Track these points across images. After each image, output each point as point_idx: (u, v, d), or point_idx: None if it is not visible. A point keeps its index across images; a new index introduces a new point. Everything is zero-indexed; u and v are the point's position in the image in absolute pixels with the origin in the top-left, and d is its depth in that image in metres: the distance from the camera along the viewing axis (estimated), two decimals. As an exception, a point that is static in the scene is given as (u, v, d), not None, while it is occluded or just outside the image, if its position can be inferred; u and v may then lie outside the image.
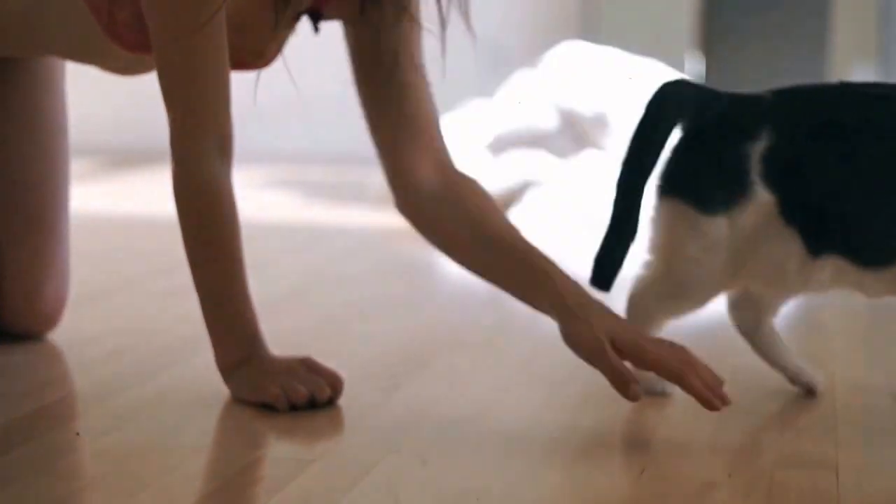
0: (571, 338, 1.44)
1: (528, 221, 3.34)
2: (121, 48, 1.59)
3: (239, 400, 1.54)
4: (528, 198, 3.43)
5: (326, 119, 4.64)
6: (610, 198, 3.18)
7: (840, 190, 1.49)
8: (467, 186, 1.59)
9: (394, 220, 3.13)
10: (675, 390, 1.60)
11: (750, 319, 1.63)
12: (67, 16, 1.59)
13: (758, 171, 1.51)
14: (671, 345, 1.42)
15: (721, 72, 5.83)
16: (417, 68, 1.59)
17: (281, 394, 1.50)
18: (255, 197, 3.64)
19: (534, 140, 3.65)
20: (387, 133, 1.60)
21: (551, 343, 1.87)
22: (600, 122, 3.60)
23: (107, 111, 4.72)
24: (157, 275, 2.38)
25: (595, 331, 1.41)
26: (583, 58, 3.89)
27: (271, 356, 1.55)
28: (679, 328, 1.91)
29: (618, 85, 3.71)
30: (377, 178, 3.51)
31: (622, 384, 1.38)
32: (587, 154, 3.56)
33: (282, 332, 1.92)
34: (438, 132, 1.62)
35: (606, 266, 1.54)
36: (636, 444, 1.42)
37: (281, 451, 1.36)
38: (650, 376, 1.57)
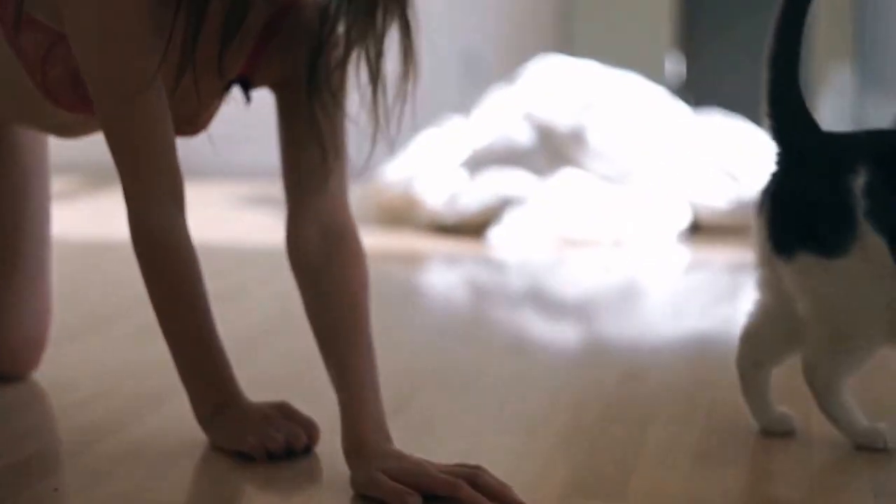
0: (351, 474, 1.44)
1: (507, 242, 3.35)
2: (57, 108, 1.60)
3: (217, 448, 1.55)
4: (506, 218, 3.44)
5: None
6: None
7: None
8: (339, 265, 1.59)
9: (380, 240, 3.12)
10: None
11: (758, 355, 1.64)
12: (3, 76, 1.61)
13: (863, 208, 1.50)
14: (465, 465, 1.41)
15: (700, 73, 5.85)
16: (335, 140, 1.61)
17: (258, 443, 1.51)
18: (237, 217, 3.64)
19: (510, 157, 3.66)
20: (292, 188, 1.62)
21: (528, 385, 1.88)
22: (577, 138, 3.60)
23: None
24: (132, 310, 2.38)
25: (371, 467, 1.41)
26: (560, 72, 3.90)
27: (247, 403, 1.56)
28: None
29: (595, 100, 3.72)
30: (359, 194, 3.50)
31: (399, 498, 1.38)
32: (565, 172, 3.57)
33: (257, 373, 1.92)
34: (338, 200, 1.62)
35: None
36: (612, 494, 1.43)
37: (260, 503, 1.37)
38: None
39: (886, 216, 1.49)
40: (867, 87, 5.71)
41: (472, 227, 3.51)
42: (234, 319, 2.31)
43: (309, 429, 1.55)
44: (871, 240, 1.49)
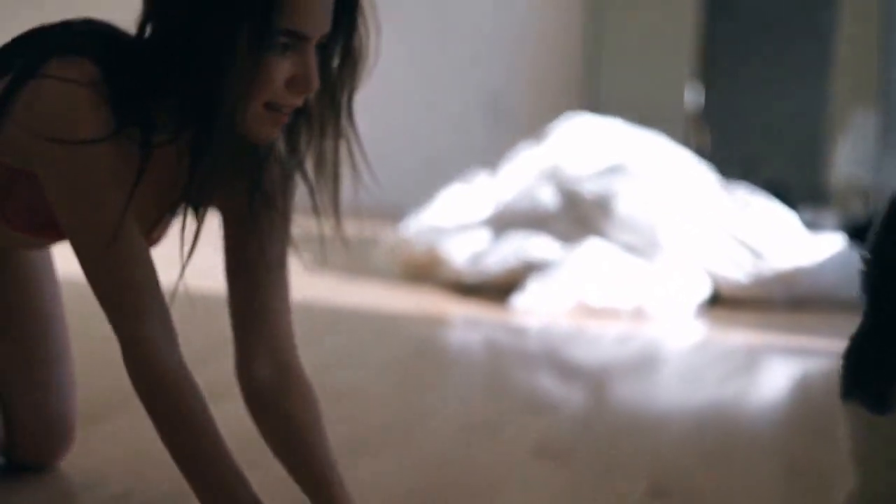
0: None
1: (530, 308, 3.36)
2: (10, 230, 1.64)
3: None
4: (529, 284, 3.45)
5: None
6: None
7: None
8: (298, 395, 1.62)
9: (403, 297, 3.13)
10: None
11: None
12: None
13: None
14: None
15: (720, 105, 5.86)
16: (279, 266, 1.64)
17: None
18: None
19: (535, 219, 3.67)
20: (238, 319, 1.65)
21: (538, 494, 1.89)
22: (603, 207, 3.61)
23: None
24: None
25: None
26: (587, 132, 3.92)
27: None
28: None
29: (621, 165, 3.73)
30: (384, 247, 3.50)
31: None
32: (589, 242, 3.57)
33: (279, 480, 1.90)
34: (284, 331, 1.65)
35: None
36: None
37: None
38: None
39: None
40: (890, 131, 5.72)
41: (495, 288, 3.53)
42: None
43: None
44: None
